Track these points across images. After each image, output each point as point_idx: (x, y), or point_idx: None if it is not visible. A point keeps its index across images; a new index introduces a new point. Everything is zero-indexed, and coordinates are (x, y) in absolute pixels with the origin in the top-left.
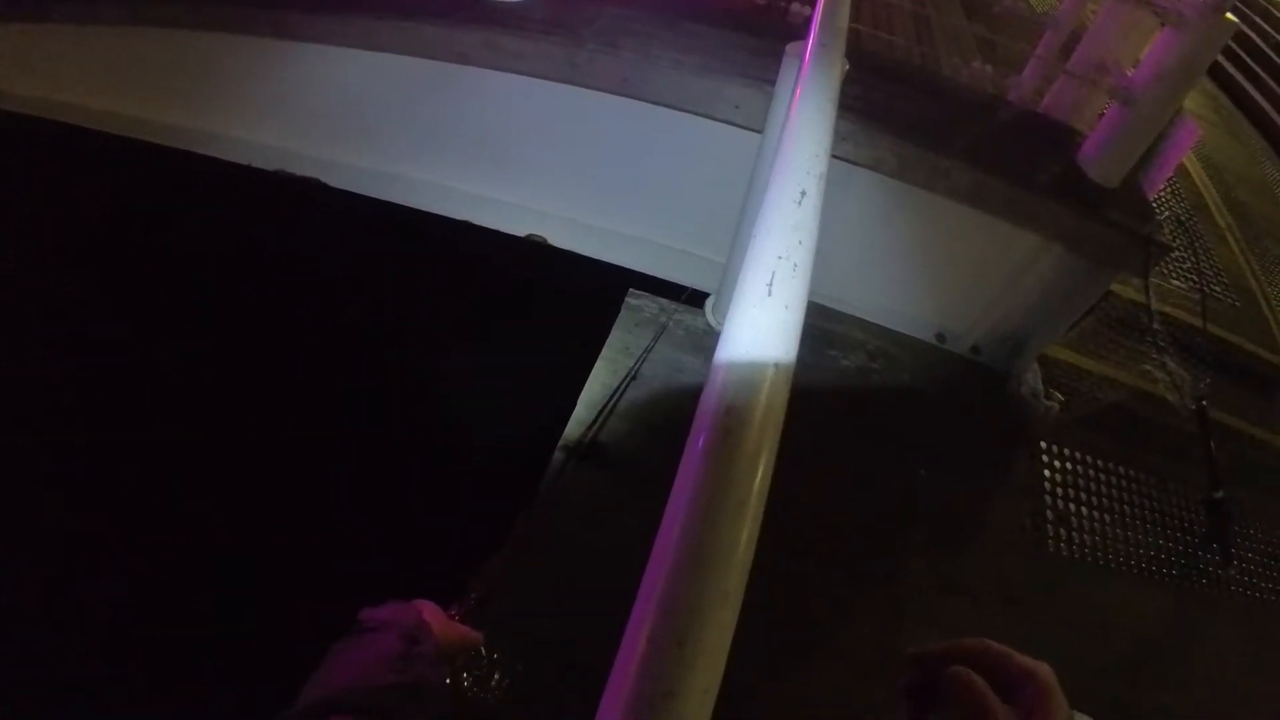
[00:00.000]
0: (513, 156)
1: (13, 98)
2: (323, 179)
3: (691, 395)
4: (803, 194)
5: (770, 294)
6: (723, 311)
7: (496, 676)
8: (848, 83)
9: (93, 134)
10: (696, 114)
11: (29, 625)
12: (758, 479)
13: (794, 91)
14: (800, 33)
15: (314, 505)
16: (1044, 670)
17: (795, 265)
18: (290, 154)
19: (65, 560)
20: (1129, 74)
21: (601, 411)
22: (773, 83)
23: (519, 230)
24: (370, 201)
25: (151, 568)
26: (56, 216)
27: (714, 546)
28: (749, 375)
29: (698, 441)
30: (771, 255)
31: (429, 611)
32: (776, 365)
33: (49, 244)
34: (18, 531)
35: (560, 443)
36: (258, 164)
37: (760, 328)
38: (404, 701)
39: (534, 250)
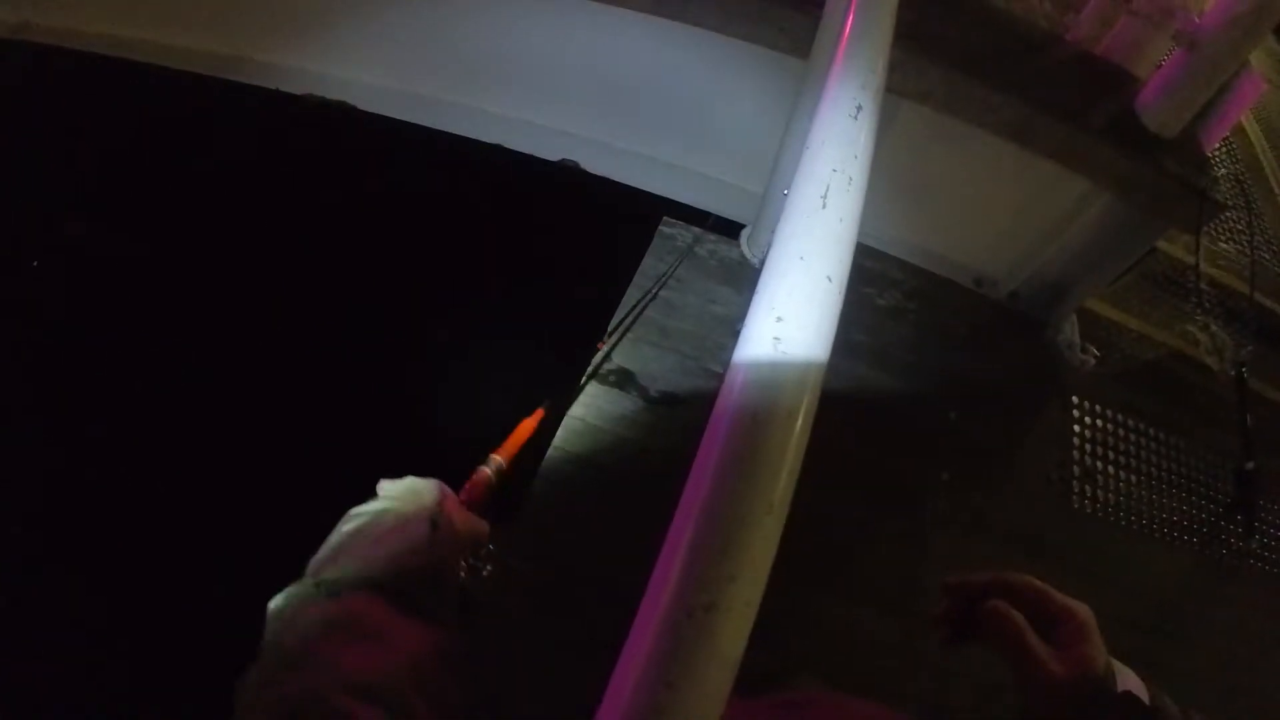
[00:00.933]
0: (546, 79)
1: (38, 29)
2: (353, 102)
3: (723, 324)
4: (859, 108)
5: (824, 206)
6: (759, 243)
7: (486, 569)
8: (899, 7)
9: (117, 62)
10: (739, 38)
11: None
12: (809, 388)
13: (849, 7)
14: None
15: (340, 423)
16: (1083, 611)
17: (850, 179)
18: (320, 77)
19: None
20: (1196, 18)
21: (623, 326)
22: (821, 6)
23: (552, 155)
24: (401, 125)
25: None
26: (79, 147)
27: (761, 454)
28: (801, 285)
29: (745, 350)
30: (826, 168)
31: (447, 497)
32: (829, 278)
33: (71, 175)
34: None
35: (589, 369)
36: (286, 88)
37: (814, 239)
38: (424, 586)
39: (567, 175)
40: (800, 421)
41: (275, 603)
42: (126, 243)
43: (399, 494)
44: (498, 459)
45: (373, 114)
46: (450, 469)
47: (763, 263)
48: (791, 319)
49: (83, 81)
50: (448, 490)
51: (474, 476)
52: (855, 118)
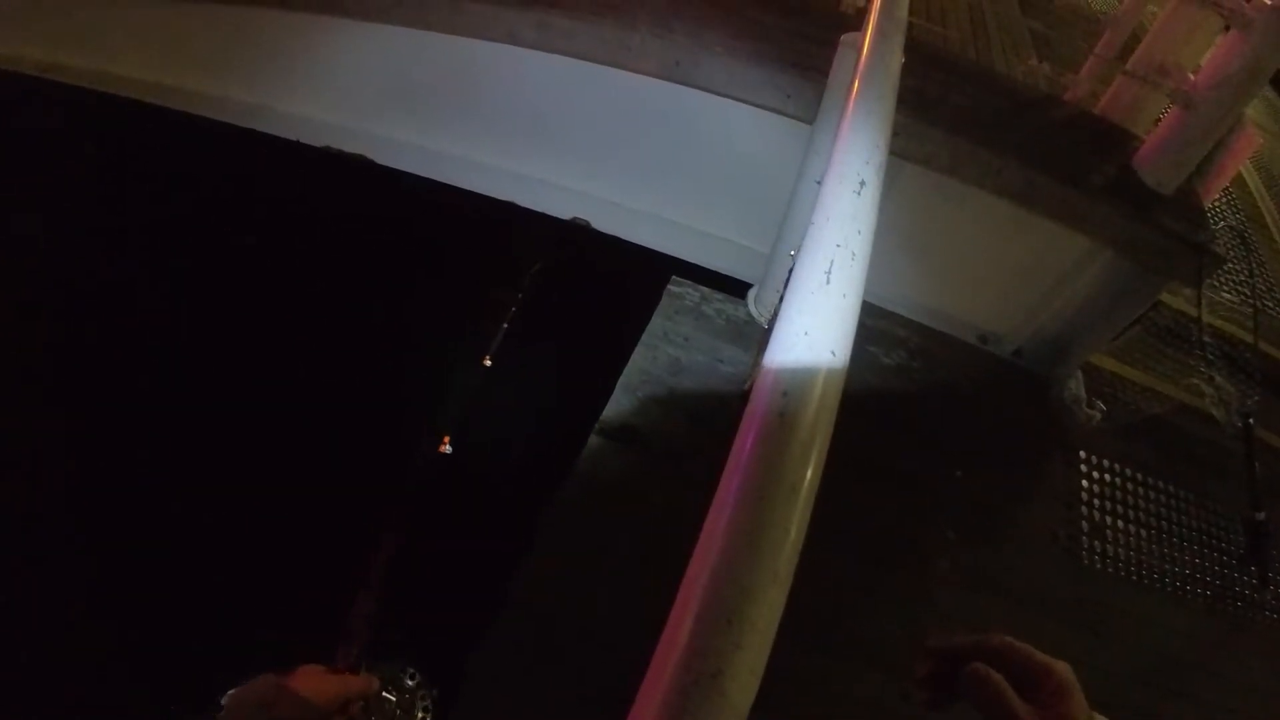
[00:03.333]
0: (559, 139)
1: (67, 69)
2: (370, 156)
3: (730, 383)
4: (862, 184)
5: (829, 282)
6: (765, 302)
7: (417, 709)
8: (901, 75)
9: (143, 106)
10: (746, 102)
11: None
12: (812, 462)
13: (852, 81)
14: (854, 23)
15: (347, 484)
16: (1062, 668)
17: (854, 254)
18: (339, 130)
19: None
20: (1191, 77)
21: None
22: (825, 73)
23: (563, 213)
24: (417, 179)
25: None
26: (102, 188)
27: (767, 527)
28: (806, 360)
29: (752, 423)
30: (830, 243)
31: (300, 677)
32: (833, 352)
33: (94, 216)
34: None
35: (597, 426)
36: (305, 140)
37: (818, 315)
38: None
39: (577, 234)
40: (804, 495)
41: None
42: (143, 280)
43: (231, 700)
44: (362, 611)
45: (389, 167)
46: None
47: (770, 322)
48: (796, 394)
49: (106, 122)
50: (306, 670)
51: (346, 638)
52: (859, 193)
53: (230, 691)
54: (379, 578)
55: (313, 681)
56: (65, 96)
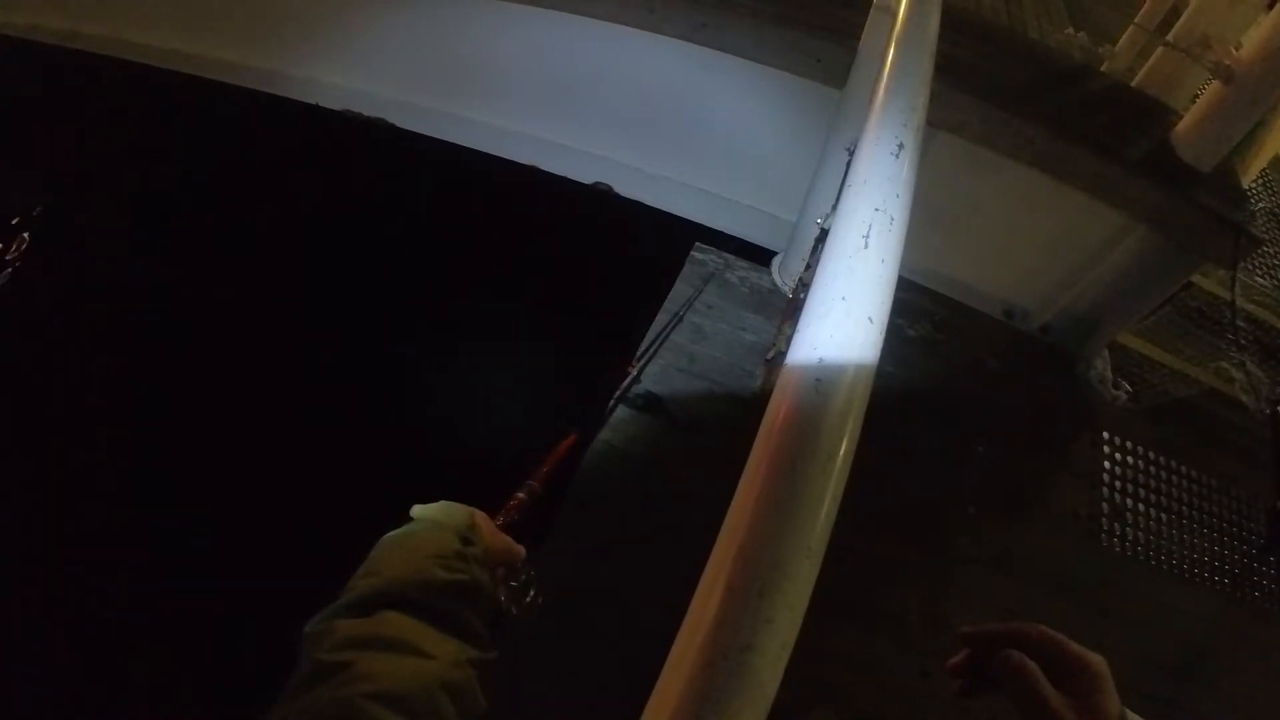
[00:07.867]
0: (582, 103)
1: (85, 37)
2: (390, 120)
3: (753, 351)
4: (900, 147)
5: (867, 246)
6: (789, 270)
7: (531, 593)
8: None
9: (161, 72)
10: (774, 66)
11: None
12: (848, 431)
13: (888, 42)
14: None
15: (373, 450)
16: (1098, 662)
17: (892, 219)
18: (358, 94)
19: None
20: (1234, 51)
21: (651, 350)
22: (856, 37)
23: (586, 178)
24: (438, 143)
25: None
26: (123, 155)
27: (800, 498)
28: (843, 326)
29: (786, 391)
30: (868, 208)
31: (479, 516)
32: (871, 319)
33: (114, 183)
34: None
35: (618, 393)
36: (325, 104)
37: (855, 280)
38: (457, 600)
39: (600, 198)
40: (839, 464)
41: (310, 624)
42: (165, 249)
43: (431, 515)
44: (532, 484)
45: (410, 131)
46: (475, 492)
47: (794, 290)
48: (834, 361)
49: (127, 89)
50: (480, 513)
51: (510, 500)
52: (897, 156)
53: (418, 507)
54: (552, 465)
55: (488, 525)
56: (85, 65)
